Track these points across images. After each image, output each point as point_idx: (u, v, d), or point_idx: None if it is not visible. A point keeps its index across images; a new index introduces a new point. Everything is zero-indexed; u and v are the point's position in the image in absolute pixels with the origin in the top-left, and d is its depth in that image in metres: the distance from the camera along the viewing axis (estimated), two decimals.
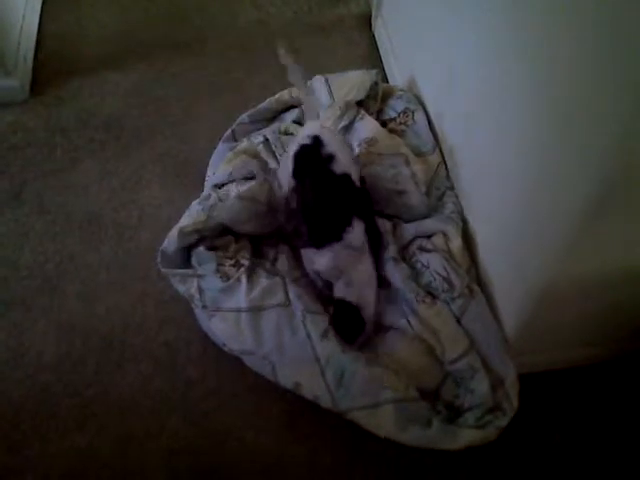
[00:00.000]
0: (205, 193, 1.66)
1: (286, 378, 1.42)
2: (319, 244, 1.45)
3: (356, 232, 1.43)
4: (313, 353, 1.38)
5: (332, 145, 1.46)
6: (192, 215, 1.53)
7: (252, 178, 1.65)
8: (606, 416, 1.49)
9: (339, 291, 1.46)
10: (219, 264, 1.48)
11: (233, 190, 1.59)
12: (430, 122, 1.76)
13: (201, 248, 1.52)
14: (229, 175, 1.65)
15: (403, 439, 1.34)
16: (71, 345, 1.56)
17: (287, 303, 1.43)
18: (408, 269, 1.50)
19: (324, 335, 1.39)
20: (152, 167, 1.95)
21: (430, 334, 1.42)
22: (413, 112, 1.79)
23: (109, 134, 2.06)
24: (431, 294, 1.47)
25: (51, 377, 1.51)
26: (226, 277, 1.47)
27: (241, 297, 1.45)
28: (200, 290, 1.49)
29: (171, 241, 1.52)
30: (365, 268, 1.46)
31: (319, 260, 1.46)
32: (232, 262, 1.49)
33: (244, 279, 1.46)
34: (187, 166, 1.94)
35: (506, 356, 1.38)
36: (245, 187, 1.58)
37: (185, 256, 1.55)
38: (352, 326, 1.44)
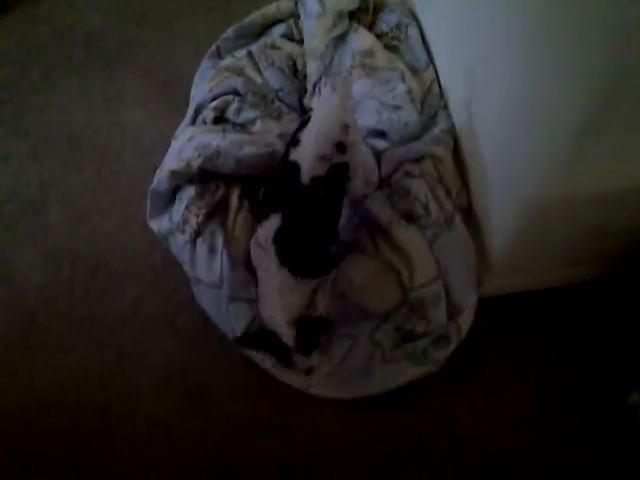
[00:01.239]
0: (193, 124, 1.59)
1: None
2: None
3: (264, 228, 1.28)
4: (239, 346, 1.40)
5: (307, 133, 1.31)
6: (184, 158, 1.45)
7: (235, 94, 1.59)
8: (594, 333, 1.51)
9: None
10: (186, 207, 1.44)
11: (233, 148, 1.46)
12: (424, 37, 1.68)
13: (188, 190, 1.47)
14: (210, 93, 1.59)
15: (349, 397, 1.38)
16: (58, 268, 1.55)
17: (220, 284, 1.39)
18: (383, 196, 1.46)
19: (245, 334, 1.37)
20: (134, 86, 1.87)
21: (399, 257, 1.40)
22: (407, 26, 1.70)
23: (88, 52, 1.96)
24: (407, 218, 1.44)
25: (39, 299, 1.51)
26: (182, 226, 1.43)
27: (188, 264, 1.44)
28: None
29: (161, 181, 1.47)
30: (267, 275, 1.31)
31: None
32: (196, 210, 1.42)
33: (188, 246, 1.42)
34: (171, 85, 1.86)
35: (471, 289, 1.39)
36: (248, 151, 1.47)
37: (174, 191, 1.51)
38: (277, 351, 1.36)
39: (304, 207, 1.30)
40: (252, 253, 1.34)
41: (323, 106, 1.39)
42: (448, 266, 1.39)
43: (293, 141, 1.32)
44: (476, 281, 1.41)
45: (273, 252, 1.27)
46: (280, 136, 1.55)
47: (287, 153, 1.32)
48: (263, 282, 1.33)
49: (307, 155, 1.29)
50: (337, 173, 1.32)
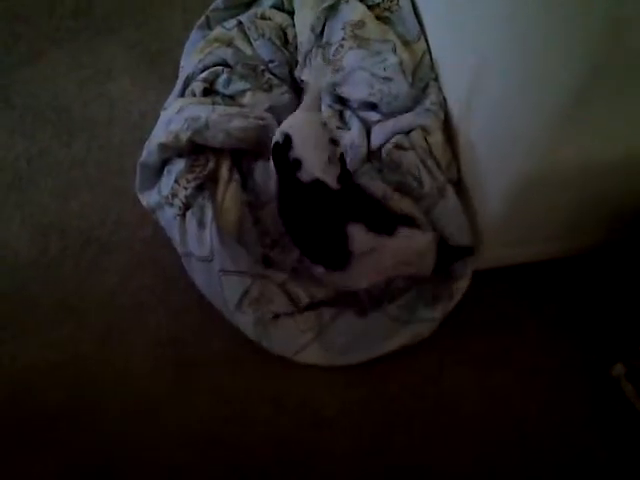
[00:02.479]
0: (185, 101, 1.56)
1: None
2: (336, 266, 1.36)
3: (358, 234, 1.30)
4: (231, 317, 1.40)
5: (301, 148, 1.32)
6: (172, 131, 1.45)
7: (225, 65, 1.57)
8: (580, 305, 1.52)
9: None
10: (175, 180, 1.44)
11: (223, 121, 1.47)
12: (415, 8, 1.66)
13: (178, 163, 1.47)
14: (199, 64, 1.57)
15: (340, 363, 1.39)
16: (47, 242, 1.54)
17: (211, 257, 1.39)
18: (373, 170, 1.48)
19: (238, 306, 1.37)
20: (123, 58, 1.84)
21: None
22: None
23: (77, 22, 1.92)
24: (400, 190, 1.45)
25: (29, 273, 1.50)
26: (171, 199, 1.44)
27: (177, 238, 1.44)
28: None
29: (150, 154, 1.47)
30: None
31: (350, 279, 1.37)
32: (185, 183, 1.43)
33: (178, 220, 1.43)
34: (160, 56, 1.83)
35: (468, 257, 1.38)
36: (238, 124, 1.47)
37: (163, 164, 1.51)
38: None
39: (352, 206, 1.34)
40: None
41: (297, 117, 1.42)
42: (444, 236, 1.40)
43: (294, 165, 1.32)
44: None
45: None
46: (270, 109, 1.54)
47: (296, 180, 1.32)
48: None
49: (321, 166, 1.32)
50: (343, 162, 1.38)
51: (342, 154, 1.39)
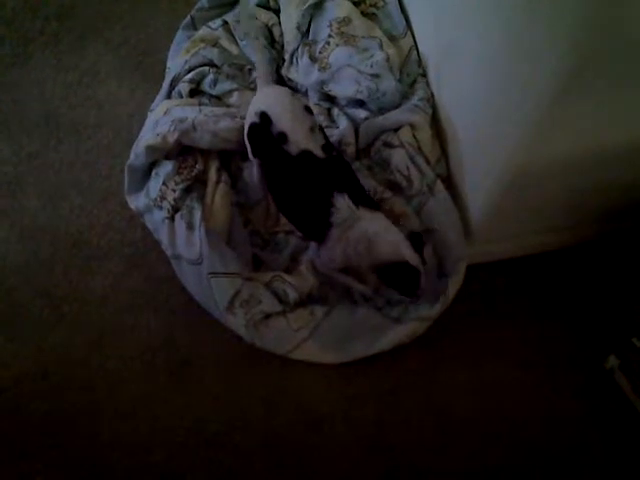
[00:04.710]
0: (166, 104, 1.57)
1: None
2: (316, 237, 1.37)
3: (342, 204, 1.30)
4: (222, 319, 1.40)
5: (282, 121, 1.33)
6: (160, 132, 1.45)
7: (211, 65, 1.56)
8: (573, 299, 1.53)
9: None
10: (163, 182, 1.44)
11: (209, 122, 1.47)
12: (401, 2, 1.65)
13: (165, 166, 1.47)
14: (185, 65, 1.57)
15: (335, 359, 1.39)
16: (37, 246, 1.53)
17: (200, 260, 1.38)
18: (363, 167, 1.48)
19: (229, 308, 1.36)
20: (109, 59, 1.83)
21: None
22: None
23: (61, 25, 1.91)
24: (390, 188, 1.46)
25: (18, 279, 1.50)
26: (160, 202, 1.43)
27: (166, 241, 1.44)
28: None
29: (138, 156, 1.47)
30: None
31: (327, 254, 1.37)
32: (173, 186, 1.43)
33: (167, 222, 1.42)
34: (146, 57, 1.82)
35: (461, 251, 1.39)
36: (224, 125, 1.47)
37: (150, 166, 1.51)
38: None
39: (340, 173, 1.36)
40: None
41: (265, 94, 1.43)
42: (437, 232, 1.40)
43: (279, 139, 1.33)
44: (465, 243, 1.40)
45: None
46: None
47: (284, 153, 1.33)
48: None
49: (306, 134, 1.34)
50: (324, 132, 1.41)
51: (321, 125, 1.41)
